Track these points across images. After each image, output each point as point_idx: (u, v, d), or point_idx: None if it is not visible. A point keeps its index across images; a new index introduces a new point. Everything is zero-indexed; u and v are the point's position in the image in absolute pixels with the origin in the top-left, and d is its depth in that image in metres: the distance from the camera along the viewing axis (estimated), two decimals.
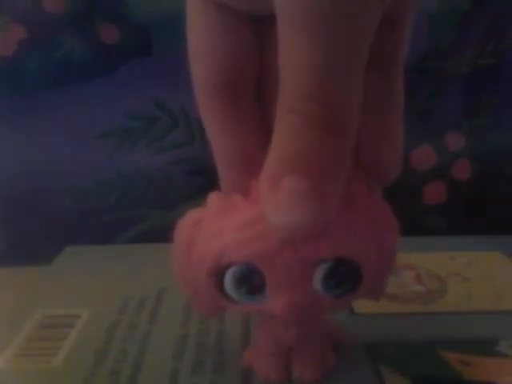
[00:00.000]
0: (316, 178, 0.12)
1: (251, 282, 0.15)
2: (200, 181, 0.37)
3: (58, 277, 0.30)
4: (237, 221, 0.15)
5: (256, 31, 0.16)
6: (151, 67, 0.35)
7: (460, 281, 0.28)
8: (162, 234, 0.40)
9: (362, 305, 0.24)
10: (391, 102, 0.17)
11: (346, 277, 0.15)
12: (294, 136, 0.12)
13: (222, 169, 0.18)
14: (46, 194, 0.36)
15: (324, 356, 0.20)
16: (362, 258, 0.15)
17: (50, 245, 0.33)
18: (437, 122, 0.36)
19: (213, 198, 0.17)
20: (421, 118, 0.36)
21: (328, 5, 0.11)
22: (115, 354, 0.22)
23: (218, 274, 0.15)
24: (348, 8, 0.12)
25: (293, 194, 0.13)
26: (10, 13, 0.34)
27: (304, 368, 0.19)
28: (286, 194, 0.13)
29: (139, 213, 0.37)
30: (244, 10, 0.15)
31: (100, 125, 0.36)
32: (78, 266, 0.31)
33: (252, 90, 0.17)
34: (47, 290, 0.28)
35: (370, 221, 0.16)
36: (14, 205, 0.37)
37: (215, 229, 0.16)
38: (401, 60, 0.17)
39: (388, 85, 0.17)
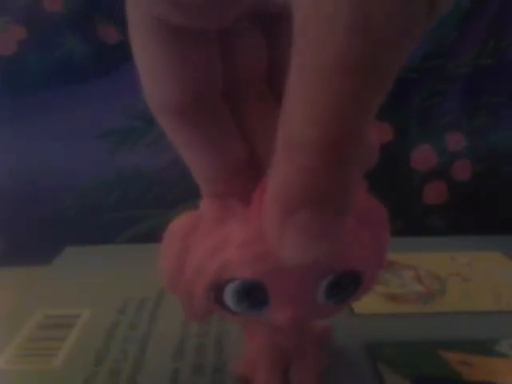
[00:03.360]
0: (332, 212, 0.12)
1: (254, 296, 0.15)
2: None
3: (58, 277, 0.30)
4: (240, 235, 0.15)
5: (219, 41, 0.15)
6: None
7: (460, 281, 0.28)
8: (162, 234, 0.40)
9: (362, 305, 0.24)
10: None
11: (348, 285, 0.15)
12: (309, 174, 0.12)
13: (198, 181, 0.17)
14: (46, 194, 0.36)
15: (320, 360, 0.20)
16: (364, 268, 0.15)
17: (50, 245, 0.33)
18: (437, 122, 0.36)
19: (207, 203, 0.16)
20: (421, 118, 0.36)
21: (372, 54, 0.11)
22: (115, 354, 0.22)
23: (218, 288, 0.15)
24: (382, 60, 0.11)
25: (305, 230, 0.12)
26: (10, 13, 0.34)
27: (303, 374, 0.19)
28: (297, 229, 0.12)
29: (139, 213, 0.37)
30: (204, 28, 0.14)
31: (100, 125, 0.36)
32: (78, 266, 0.31)
33: (220, 104, 0.16)
34: (47, 290, 0.28)
35: (368, 225, 0.15)
36: (13, 205, 0.37)
37: (215, 240, 0.15)
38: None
39: None
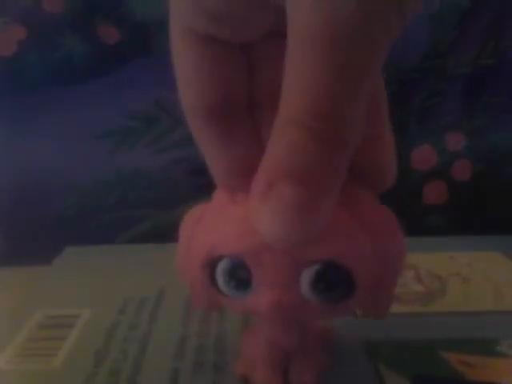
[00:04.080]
0: (313, 189, 0.12)
1: (239, 276, 0.15)
2: (200, 181, 0.37)
3: (58, 277, 0.30)
4: (231, 216, 0.15)
5: (244, 54, 0.16)
6: (151, 67, 0.35)
7: (460, 281, 0.28)
8: (162, 234, 0.40)
9: None
10: (375, 107, 0.16)
11: (336, 282, 0.15)
12: (294, 147, 0.12)
13: (214, 175, 0.18)
14: (46, 193, 0.36)
15: (320, 359, 0.20)
16: (354, 265, 0.15)
17: (50, 245, 0.33)
18: (437, 121, 0.36)
19: (218, 194, 0.17)
20: (421, 118, 0.36)
21: (346, 23, 0.11)
22: (115, 354, 0.22)
23: (211, 266, 0.16)
24: (367, 27, 0.12)
25: (283, 201, 0.12)
26: (10, 13, 0.34)
27: (302, 374, 0.19)
28: (275, 200, 0.12)
29: (139, 213, 0.37)
30: (229, 39, 0.15)
31: (100, 125, 0.36)
32: (78, 266, 0.31)
33: (244, 111, 0.17)
34: (47, 290, 0.28)
35: (370, 229, 0.15)
36: (14, 205, 0.37)
37: (213, 224, 0.16)
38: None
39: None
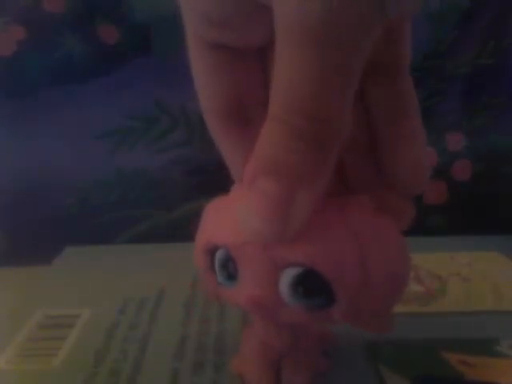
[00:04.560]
0: (291, 185, 0.13)
1: (228, 267, 0.16)
2: (200, 181, 0.37)
3: (58, 277, 0.30)
4: (233, 209, 0.16)
5: (258, 57, 0.17)
6: (151, 67, 0.35)
7: (460, 281, 0.28)
8: (162, 234, 0.40)
9: None
10: (403, 109, 0.17)
11: (315, 290, 0.15)
12: (276, 143, 0.13)
13: (234, 176, 0.19)
14: (46, 193, 0.36)
15: (315, 361, 0.20)
16: (334, 276, 0.14)
17: (50, 245, 0.33)
18: (437, 122, 0.36)
19: (235, 188, 0.17)
20: (421, 118, 0.36)
21: (323, 18, 0.12)
22: (115, 354, 0.22)
23: (211, 254, 0.16)
24: (344, 25, 0.12)
25: (262, 196, 0.13)
26: (10, 13, 0.34)
27: (294, 374, 0.19)
28: (255, 194, 0.13)
29: (139, 213, 0.37)
30: (235, 44, 0.16)
31: (100, 125, 0.36)
32: (78, 265, 0.31)
33: (260, 110, 0.17)
34: (47, 290, 0.28)
35: (362, 240, 0.14)
36: (13, 205, 0.37)
37: (219, 215, 0.16)
38: (405, 67, 0.17)
39: (396, 94, 0.16)
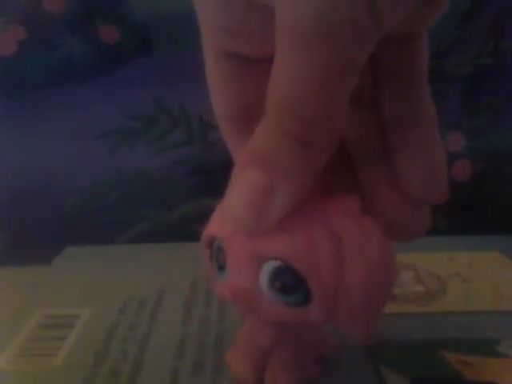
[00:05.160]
0: (276, 178, 0.13)
1: (219, 258, 0.16)
2: (200, 181, 0.37)
3: (58, 277, 0.30)
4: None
5: (265, 70, 0.17)
6: (151, 67, 0.35)
7: (460, 281, 0.28)
8: (162, 234, 0.40)
9: None
10: (418, 117, 0.17)
11: (292, 286, 0.15)
12: (267, 139, 0.13)
13: None
14: (46, 193, 0.36)
15: (304, 368, 0.19)
16: (309, 272, 0.14)
17: (50, 245, 0.33)
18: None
19: None
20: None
21: (315, 19, 0.12)
22: (115, 354, 0.22)
23: (210, 246, 0.16)
24: (335, 26, 0.12)
25: (245, 183, 0.13)
26: (10, 13, 0.34)
27: (278, 374, 0.19)
28: (239, 182, 0.13)
29: (139, 213, 0.37)
30: (248, 54, 0.16)
31: (100, 125, 0.36)
32: (78, 266, 0.31)
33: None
34: (47, 290, 0.28)
35: (344, 241, 0.15)
36: (14, 205, 0.37)
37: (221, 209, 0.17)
38: (421, 75, 0.16)
39: (412, 101, 0.16)
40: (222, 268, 0.16)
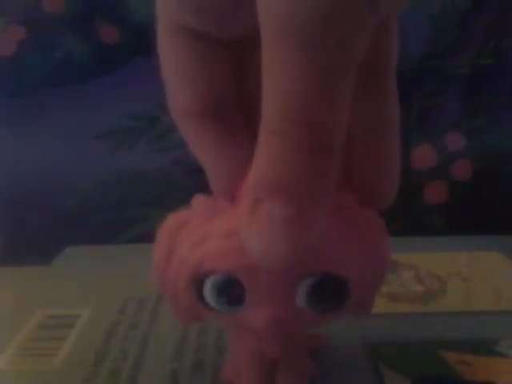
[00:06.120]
0: (302, 203, 0.12)
1: (231, 292, 0.15)
2: (200, 181, 0.37)
3: (58, 277, 0.30)
4: (221, 228, 0.15)
5: (236, 55, 0.16)
6: (151, 67, 0.35)
7: (460, 281, 0.28)
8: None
9: None
10: (381, 119, 0.15)
11: (331, 293, 0.15)
12: (276, 159, 0.11)
13: (215, 186, 0.18)
14: (46, 193, 0.36)
15: (307, 366, 0.19)
16: (349, 274, 0.14)
17: (50, 245, 0.33)
18: (437, 122, 0.36)
19: (198, 201, 0.16)
20: (421, 118, 0.36)
21: (317, 17, 0.11)
22: (115, 353, 0.22)
23: (198, 281, 0.15)
24: (338, 22, 0.11)
25: (272, 220, 0.12)
26: (10, 13, 0.34)
27: (290, 378, 0.18)
28: (263, 218, 0.12)
29: (139, 213, 0.37)
30: (216, 35, 0.15)
31: (100, 125, 0.36)
32: (78, 265, 0.31)
33: (235, 113, 0.16)
34: (47, 290, 0.28)
35: (359, 234, 0.15)
36: (14, 205, 0.37)
37: (199, 234, 0.15)
38: (388, 72, 0.15)
39: (376, 101, 0.15)
40: (237, 300, 0.15)
